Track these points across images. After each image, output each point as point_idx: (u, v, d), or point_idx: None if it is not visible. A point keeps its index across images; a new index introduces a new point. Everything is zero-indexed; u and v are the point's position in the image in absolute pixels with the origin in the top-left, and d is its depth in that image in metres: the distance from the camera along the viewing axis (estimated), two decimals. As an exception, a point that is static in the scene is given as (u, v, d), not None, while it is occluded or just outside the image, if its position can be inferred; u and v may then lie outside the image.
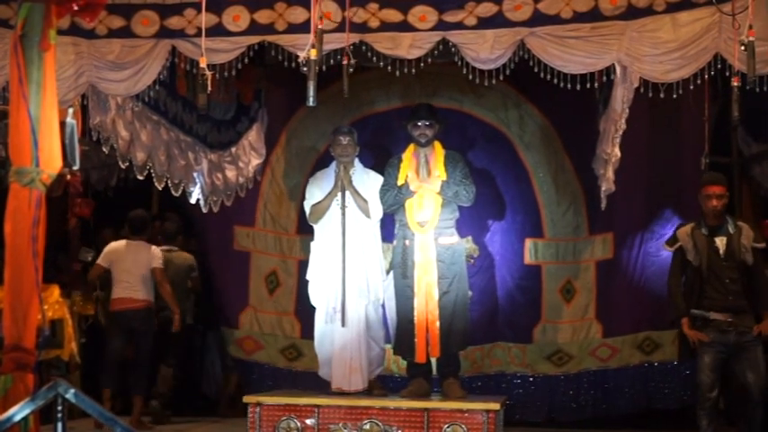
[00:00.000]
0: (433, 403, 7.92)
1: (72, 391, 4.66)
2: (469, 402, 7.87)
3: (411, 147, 8.50)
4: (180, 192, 8.80)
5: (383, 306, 8.78)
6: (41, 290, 4.96)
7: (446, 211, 8.37)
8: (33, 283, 4.89)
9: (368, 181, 8.66)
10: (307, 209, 8.75)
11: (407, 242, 8.38)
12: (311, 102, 6.11)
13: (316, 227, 8.73)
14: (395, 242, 8.59)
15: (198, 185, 9.05)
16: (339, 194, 8.58)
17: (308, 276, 8.72)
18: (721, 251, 7.59)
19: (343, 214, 8.55)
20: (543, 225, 9.64)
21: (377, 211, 8.59)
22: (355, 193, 8.57)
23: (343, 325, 8.44)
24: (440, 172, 8.37)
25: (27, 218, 4.89)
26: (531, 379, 9.51)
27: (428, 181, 8.37)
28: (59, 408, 4.68)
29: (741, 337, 7.52)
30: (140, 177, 8.40)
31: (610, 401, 9.32)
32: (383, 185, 8.53)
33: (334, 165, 8.70)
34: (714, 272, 7.59)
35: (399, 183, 8.41)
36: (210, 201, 9.21)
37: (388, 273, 8.73)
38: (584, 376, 9.38)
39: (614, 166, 7.90)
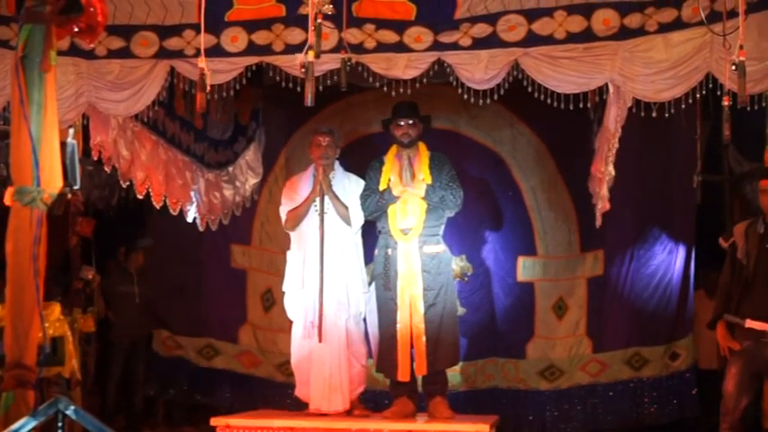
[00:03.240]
0: (418, 425, 7.56)
1: (72, 407, 4.72)
2: (458, 423, 7.53)
3: (393, 148, 8.17)
4: (178, 211, 8.86)
5: (364, 320, 8.26)
6: (42, 308, 5.00)
7: (431, 217, 7.98)
8: (34, 301, 4.94)
9: (349, 185, 8.21)
10: (282, 215, 8.31)
11: (390, 251, 7.97)
12: (309, 102, 6.08)
13: (292, 235, 8.31)
14: (376, 251, 8.16)
15: (194, 204, 9.09)
16: (317, 200, 8.11)
17: (284, 288, 8.32)
18: None
19: (322, 221, 8.06)
20: (536, 243, 9.69)
21: (358, 218, 8.12)
22: (335, 198, 8.10)
23: (320, 340, 7.97)
24: (424, 175, 7.97)
25: (28, 237, 4.95)
26: (522, 394, 9.52)
27: (412, 185, 7.97)
28: (60, 424, 4.75)
29: None
30: (140, 197, 8.46)
31: (600, 416, 9.37)
32: (364, 190, 8.11)
33: (312, 168, 8.30)
34: (760, 275, 6.97)
35: (381, 187, 8.01)
36: (208, 219, 9.25)
37: (369, 284, 8.24)
38: (574, 391, 9.42)
39: (609, 184, 7.96)
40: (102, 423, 4.84)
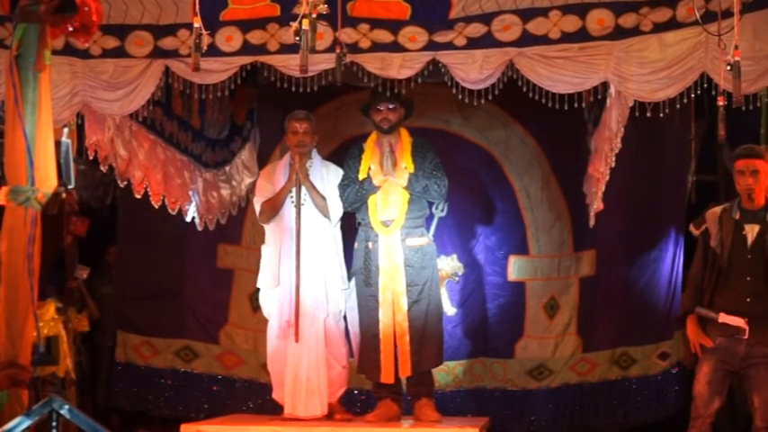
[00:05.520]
0: (403, 430, 7.30)
1: (66, 406, 4.75)
2: (445, 428, 7.27)
3: (373, 135, 7.86)
4: (176, 210, 8.87)
5: (345, 318, 7.85)
6: (37, 307, 5.04)
7: (414, 208, 7.65)
8: (29, 301, 4.98)
9: (327, 175, 7.81)
10: (256, 206, 7.95)
11: (370, 245, 7.63)
12: (303, 71, 5.96)
13: (267, 228, 7.91)
14: (356, 245, 7.81)
15: (193, 204, 9.10)
16: (294, 190, 7.69)
17: (259, 284, 7.96)
18: (749, 241, 6.53)
19: (298, 213, 7.64)
20: (528, 243, 9.67)
21: (336, 209, 7.73)
22: (312, 188, 7.69)
23: (297, 340, 7.56)
24: (407, 163, 7.63)
25: (22, 236, 4.99)
26: (510, 394, 9.49)
27: (393, 174, 7.63)
28: (54, 423, 4.78)
29: (753, 350, 6.44)
30: (138, 196, 8.47)
31: (588, 415, 9.38)
32: (342, 180, 7.74)
33: (288, 156, 7.95)
34: (735, 265, 6.51)
35: (361, 176, 7.67)
36: (206, 219, 9.26)
37: (349, 280, 7.84)
38: (563, 390, 9.42)
39: (604, 184, 7.97)
40: (97, 422, 4.86)
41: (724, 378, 6.58)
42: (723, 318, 6.48)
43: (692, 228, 6.95)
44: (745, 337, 6.44)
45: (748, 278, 6.50)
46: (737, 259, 6.52)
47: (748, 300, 6.48)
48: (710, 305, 6.58)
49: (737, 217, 6.62)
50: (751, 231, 6.56)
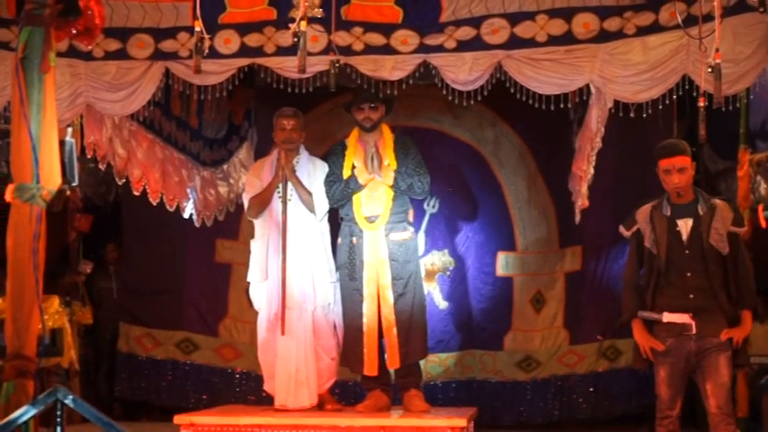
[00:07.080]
0: (392, 420, 7.15)
1: (71, 396, 4.86)
2: (433, 418, 7.13)
3: (355, 131, 7.82)
4: (174, 207, 9.02)
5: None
6: (42, 300, 5.11)
7: (397, 203, 7.62)
8: (34, 294, 5.04)
9: (314, 171, 7.77)
10: (245, 201, 7.93)
11: (355, 240, 7.60)
12: (301, 71, 6.09)
13: (255, 223, 7.88)
14: (339, 240, 7.76)
15: (191, 201, 9.23)
16: (281, 186, 7.67)
17: (249, 278, 7.93)
18: (684, 237, 6.35)
19: (285, 208, 7.61)
20: (516, 239, 9.89)
21: (322, 205, 7.69)
22: (298, 184, 7.64)
23: (283, 333, 7.53)
24: (390, 160, 7.61)
25: (28, 232, 5.06)
26: (500, 385, 9.68)
27: (379, 173, 7.59)
28: (58, 412, 4.90)
29: (703, 343, 6.25)
30: (136, 193, 8.62)
31: (575, 406, 9.56)
32: (327, 177, 7.70)
33: (276, 153, 7.89)
34: (674, 263, 6.31)
35: (345, 174, 7.64)
36: (204, 215, 9.39)
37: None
38: (551, 381, 9.61)
39: (588, 182, 8.08)
40: (100, 412, 5.01)
41: (682, 377, 6.37)
42: (667, 317, 6.31)
43: (622, 229, 6.74)
44: (693, 332, 6.27)
45: (688, 274, 6.31)
46: (675, 256, 6.34)
47: (691, 296, 6.29)
48: (653, 306, 6.40)
49: (669, 213, 6.45)
50: (685, 226, 6.38)
